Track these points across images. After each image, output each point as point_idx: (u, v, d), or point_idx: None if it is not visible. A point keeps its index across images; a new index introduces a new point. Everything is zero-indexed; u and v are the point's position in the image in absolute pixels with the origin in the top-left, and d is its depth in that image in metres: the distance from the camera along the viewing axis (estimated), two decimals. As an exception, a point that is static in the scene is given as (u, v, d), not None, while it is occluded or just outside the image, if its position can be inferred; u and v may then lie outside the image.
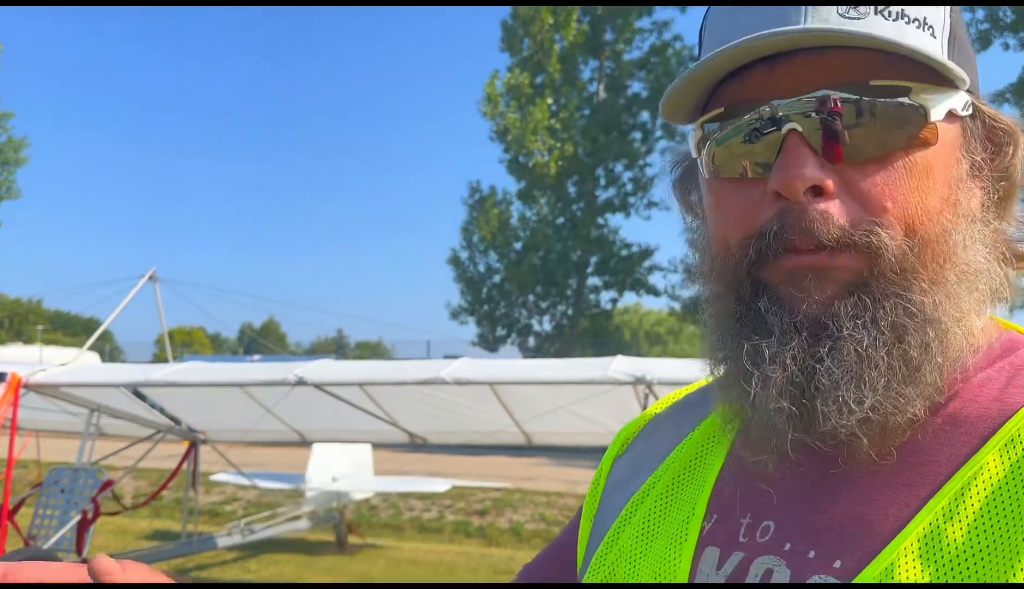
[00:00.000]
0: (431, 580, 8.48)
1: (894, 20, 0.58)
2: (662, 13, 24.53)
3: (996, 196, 0.64)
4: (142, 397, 7.40)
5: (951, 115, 0.60)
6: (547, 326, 25.69)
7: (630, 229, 62.59)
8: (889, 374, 0.57)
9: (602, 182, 24.95)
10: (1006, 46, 16.42)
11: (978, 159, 0.63)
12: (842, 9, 0.59)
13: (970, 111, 0.62)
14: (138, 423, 7.48)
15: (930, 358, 0.57)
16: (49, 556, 5.87)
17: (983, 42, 16.74)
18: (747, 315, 0.61)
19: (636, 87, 24.76)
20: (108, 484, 6.52)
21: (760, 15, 0.61)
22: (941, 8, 0.61)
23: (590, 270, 25.12)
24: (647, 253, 24.60)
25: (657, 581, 0.66)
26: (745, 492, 0.66)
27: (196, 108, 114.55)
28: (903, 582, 0.52)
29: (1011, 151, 0.64)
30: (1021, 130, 0.65)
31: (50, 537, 6.17)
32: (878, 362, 0.56)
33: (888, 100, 0.58)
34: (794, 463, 0.62)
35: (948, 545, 0.53)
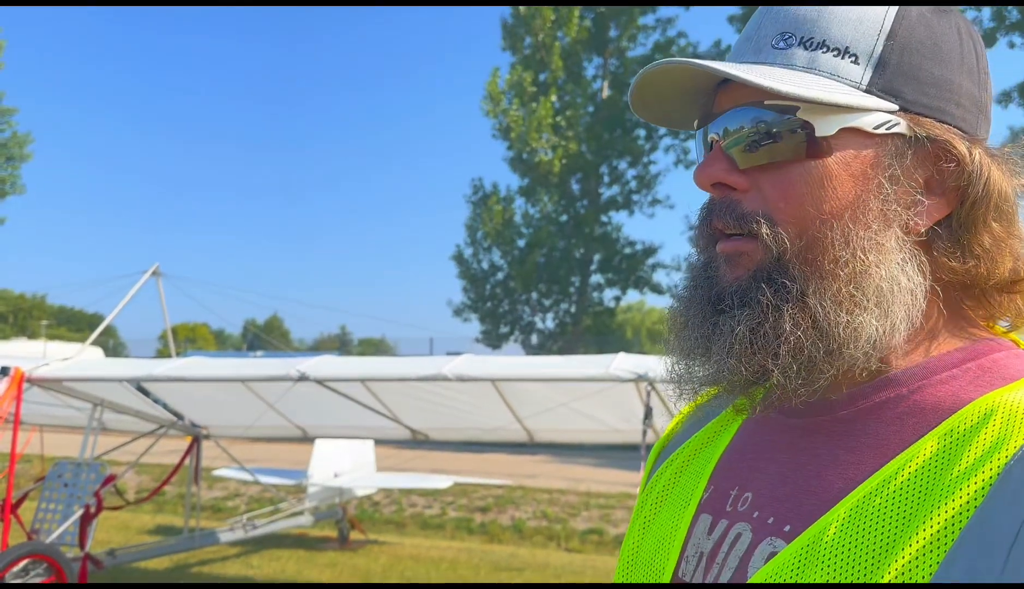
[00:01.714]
0: (433, 576, 8.48)
1: (812, 50, 0.69)
2: (666, 10, 24.50)
3: (952, 213, 0.69)
4: (145, 392, 7.41)
5: (860, 133, 0.68)
6: (550, 324, 25.68)
7: (633, 227, 62.82)
8: (748, 344, 0.68)
9: (606, 180, 24.92)
10: (1011, 45, 16.36)
11: (907, 176, 0.68)
12: (775, 41, 0.71)
13: (897, 130, 0.68)
14: (141, 418, 7.49)
15: (796, 336, 0.67)
16: (52, 550, 5.89)
17: (988, 41, 16.65)
18: (690, 289, 0.76)
19: (640, 85, 24.68)
20: (111, 479, 6.54)
21: (741, 38, 0.75)
22: (874, 37, 0.68)
23: (593, 268, 25.09)
24: (650, 251, 24.57)
25: (661, 542, 0.79)
26: (738, 467, 0.78)
27: (200, 105, 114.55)
28: (830, 543, 0.62)
29: (954, 171, 0.68)
30: (985, 151, 0.69)
31: (53, 531, 6.19)
32: (739, 333, 0.68)
33: (773, 115, 0.68)
34: (773, 441, 0.75)
35: (869, 514, 0.61)
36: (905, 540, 0.58)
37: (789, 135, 0.67)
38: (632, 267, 24.54)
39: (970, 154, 0.68)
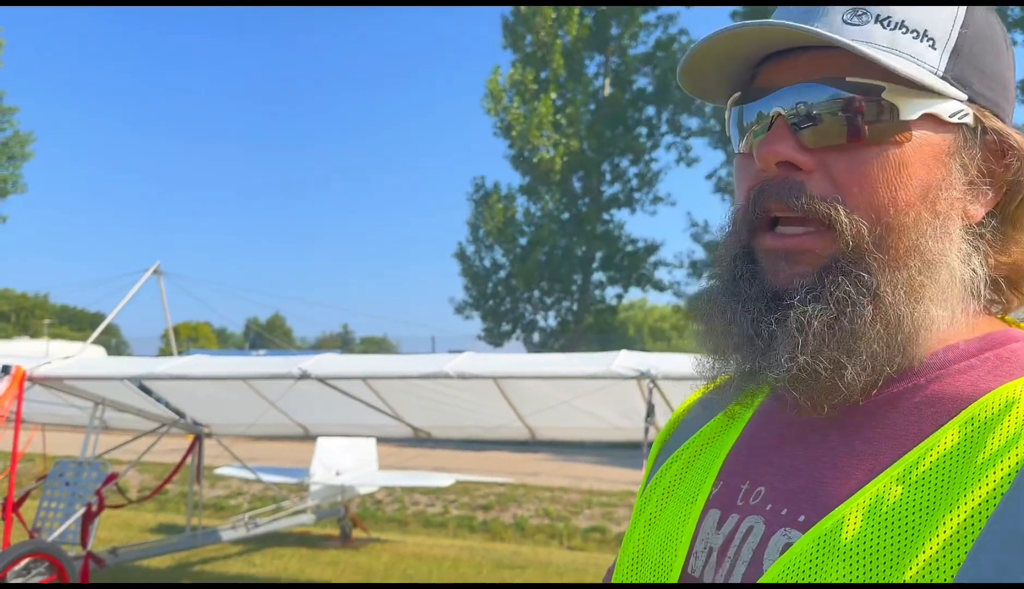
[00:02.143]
0: (435, 574, 8.48)
1: (891, 29, 0.66)
2: (667, 8, 24.46)
3: (998, 206, 0.70)
4: (147, 391, 7.41)
5: (936, 120, 0.66)
6: (552, 322, 25.68)
7: (635, 224, 62.73)
8: (823, 340, 0.65)
9: (607, 177, 24.91)
10: (1014, 43, 16.37)
11: (972, 167, 0.68)
12: (847, 16, 0.67)
13: (966, 121, 0.67)
14: (143, 417, 7.49)
15: (873, 331, 0.64)
16: (53, 549, 5.89)
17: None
18: (730, 282, 0.71)
19: (642, 82, 24.72)
20: (112, 477, 6.54)
21: (791, 13, 0.71)
22: (951, 24, 0.67)
23: (595, 266, 25.09)
24: (652, 248, 24.56)
25: (667, 539, 0.76)
26: (748, 461, 0.75)
27: (201, 105, 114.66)
28: (849, 533, 0.60)
29: (1016, 165, 0.69)
30: None
31: (55, 530, 6.19)
32: (814, 329, 0.65)
33: (857, 95, 0.65)
34: (785, 435, 0.73)
35: (890, 504, 0.60)
36: (928, 531, 0.57)
37: (872, 116, 0.65)
38: (634, 265, 24.53)
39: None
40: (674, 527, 0.77)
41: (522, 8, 23.86)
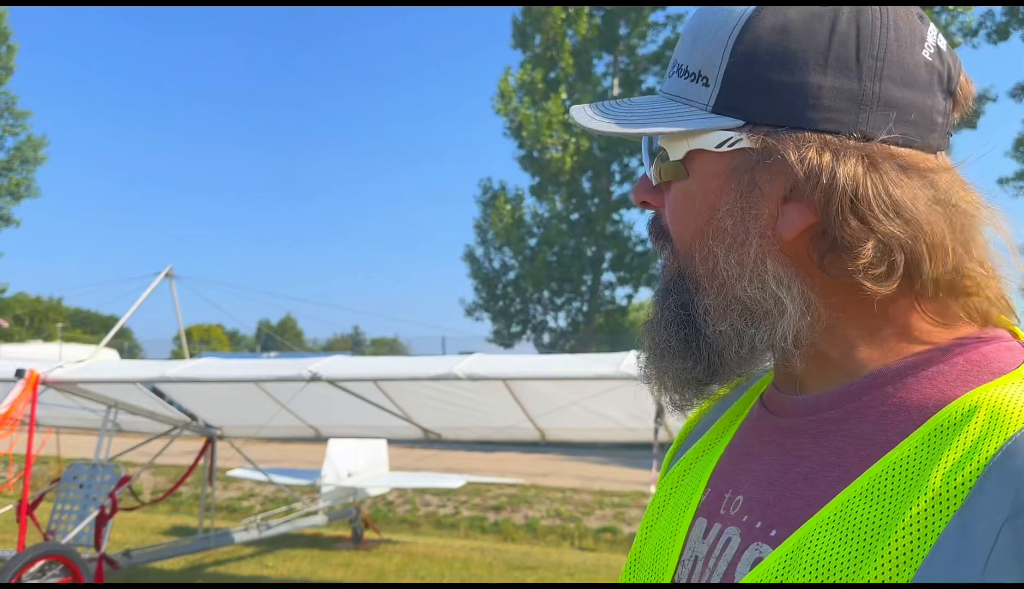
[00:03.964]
0: (446, 575, 8.49)
1: (680, 77, 0.72)
2: (676, 7, 24.44)
3: (802, 219, 0.66)
4: (159, 393, 7.45)
5: (706, 153, 0.70)
6: (562, 322, 25.67)
7: (645, 224, 62.48)
8: (657, 348, 0.75)
9: (617, 177, 24.89)
10: (1027, 36, 16.24)
11: (767, 189, 0.67)
12: (669, 71, 0.75)
13: (741, 146, 0.68)
14: (155, 419, 7.54)
15: (675, 342, 0.73)
16: (67, 551, 5.93)
17: (1001, 35, 16.51)
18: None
19: (651, 81, 24.67)
20: (125, 479, 6.58)
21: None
22: (720, 57, 0.68)
23: (605, 266, 25.06)
24: (662, 249, 24.49)
25: (660, 547, 0.78)
26: (733, 469, 0.77)
27: (212, 106, 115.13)
28: (814, 548, 0.61)
29: (791, 179, 0.65)
30: (827, 162, 0.64)
31: (69, 532, 6.24)
32: (650, 339, 0.76)
33: (649, 143, 0.76)
34: (765, 440, 0.75)
35: (853, 518, 0.60)
36: (883, 544, 0.57)
37: (659, 160, 0.74)
38: (644, 265, 24.48)
39: (801, 160, 0.64)
40: (667, 535, 0.78)
41: (532, 8, 23.86)
